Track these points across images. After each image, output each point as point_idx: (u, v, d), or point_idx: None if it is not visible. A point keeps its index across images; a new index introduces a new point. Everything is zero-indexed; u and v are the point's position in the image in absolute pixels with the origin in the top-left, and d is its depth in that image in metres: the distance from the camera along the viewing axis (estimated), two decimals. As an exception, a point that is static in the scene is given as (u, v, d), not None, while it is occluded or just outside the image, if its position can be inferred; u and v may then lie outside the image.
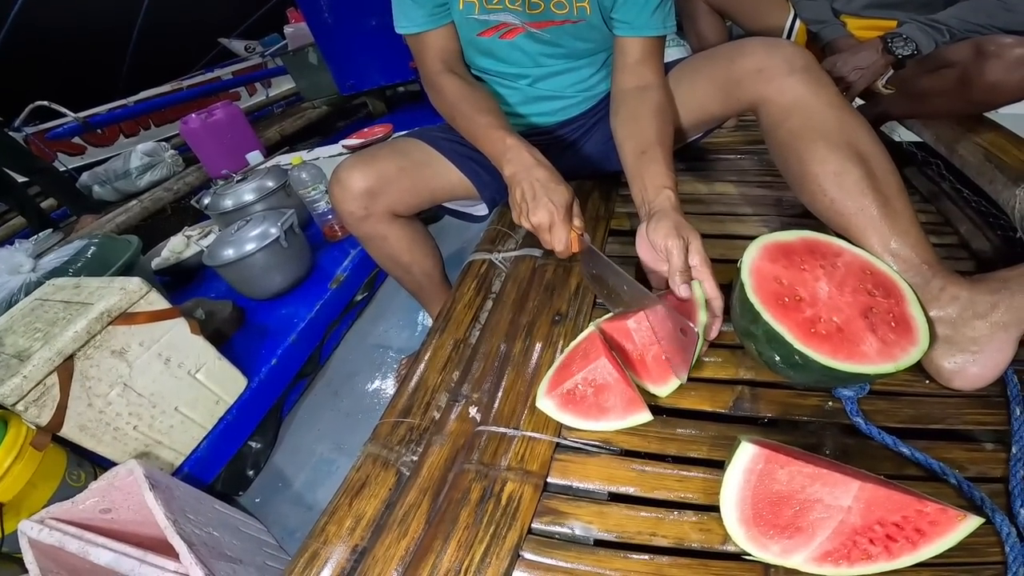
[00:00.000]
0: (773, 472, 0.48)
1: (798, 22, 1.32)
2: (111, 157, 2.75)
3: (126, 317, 0.96)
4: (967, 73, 0.95)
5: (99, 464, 1.02)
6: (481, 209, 1.07)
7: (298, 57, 3.23)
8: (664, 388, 0.64)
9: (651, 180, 0.75)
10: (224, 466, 1.15)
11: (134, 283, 0.99)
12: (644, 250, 0.74)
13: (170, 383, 1.04)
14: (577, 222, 0.77)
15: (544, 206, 0.74)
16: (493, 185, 0.99)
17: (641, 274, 0.77)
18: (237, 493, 1.20)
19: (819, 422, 0.61)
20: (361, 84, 3.03)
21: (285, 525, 1.10)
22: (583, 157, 1.06)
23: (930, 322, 0.59)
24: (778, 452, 0.48)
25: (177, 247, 1.80)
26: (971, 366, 0.59)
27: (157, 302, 1.02)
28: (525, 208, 0.76)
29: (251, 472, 1.23)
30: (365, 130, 2.22)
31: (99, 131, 3.44)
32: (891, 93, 1.12)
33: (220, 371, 1.13)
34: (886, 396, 0.63)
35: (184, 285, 1.77)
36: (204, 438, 1.10)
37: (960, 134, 1.02)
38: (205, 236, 1.84)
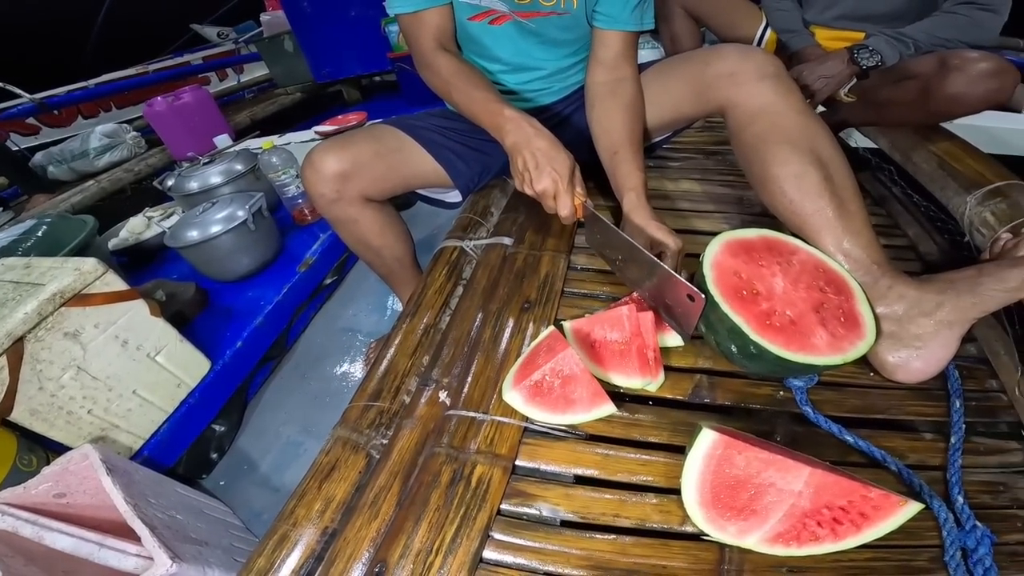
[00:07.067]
0: (731, 457, 0.50)
1: (769, 31, 1.37)
2: (67, 138, 2.62)
3: (80, 299, 0.93)
4: (929, 85, 0.99)
5: (52, 449, 0.98)
6: (454, 196, 1.07)
7: (273, 44, 3.16)
8: (655, 381, 0.66)
9: (621, 181, 0.84)
10: (186, 449, 1.12)
11: (89, 264, 0.95)
12: None
13: (128, 366, 1.01)
14: (579, 189, 0.79)
15: (548, 174, 0.77)
16: (467, 173, 0.99)
17: None
18: (200, 476, 1.17)
19: (771, 410, 0.64)
20: (337, 72, 3.02)
21: (251, 507, 1.08)
22: None
23: (877, 319, 0.63)
24: (736, 439, 0.50)
25: (136, 228, 1.73)
26: (914, 360, 0.63)
27: (114, 283, 0.98)
28: (528, 177, 0.78)
29: (215, 455, 1.20)
30: (339, 117, 2.19)
31: (56, 112, 3.26)
32: (852, 101, 1.17)
33: (181, 353, 1.10)
34: (834, 387, 0.66)
35: (143, 267, 1.71)
36: (164, 422, 1.07)
37: (916, 142, 1.06)
38: (167, 217, 1.78)
